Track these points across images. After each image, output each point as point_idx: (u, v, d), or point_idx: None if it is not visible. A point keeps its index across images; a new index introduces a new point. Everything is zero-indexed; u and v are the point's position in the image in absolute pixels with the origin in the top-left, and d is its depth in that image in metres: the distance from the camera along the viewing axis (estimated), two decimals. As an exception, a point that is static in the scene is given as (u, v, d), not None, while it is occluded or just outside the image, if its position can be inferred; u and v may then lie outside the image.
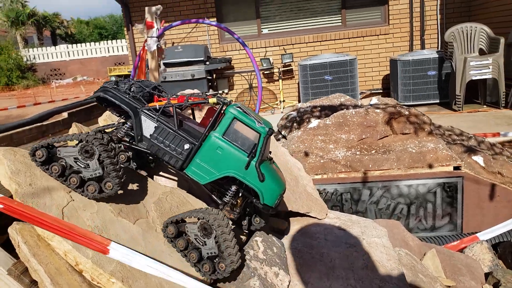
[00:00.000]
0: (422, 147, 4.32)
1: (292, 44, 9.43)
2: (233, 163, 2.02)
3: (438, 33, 8.93)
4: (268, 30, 9.72)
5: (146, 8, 4.31)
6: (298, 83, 9.00)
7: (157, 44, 4.23)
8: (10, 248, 1.93)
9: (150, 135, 2.11)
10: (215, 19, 9.40)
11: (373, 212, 4.31)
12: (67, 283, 1.72)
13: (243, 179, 2.04)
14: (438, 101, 8.31)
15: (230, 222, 2.07)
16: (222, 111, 2.09)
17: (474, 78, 7.59)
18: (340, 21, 9.39)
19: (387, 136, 4.62)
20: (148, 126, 2.11)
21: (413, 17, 8.93)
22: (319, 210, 3.13)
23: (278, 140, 5.23)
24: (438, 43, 8.96)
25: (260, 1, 9.57)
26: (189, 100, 2.17)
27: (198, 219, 2.03)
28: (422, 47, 8.92)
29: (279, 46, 9.49)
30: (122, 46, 23.32)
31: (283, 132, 5.29)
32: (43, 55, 23.54)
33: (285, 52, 9.47)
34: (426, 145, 4.35)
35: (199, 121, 2.45)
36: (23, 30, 29.36)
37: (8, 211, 1.56)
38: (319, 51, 9.32)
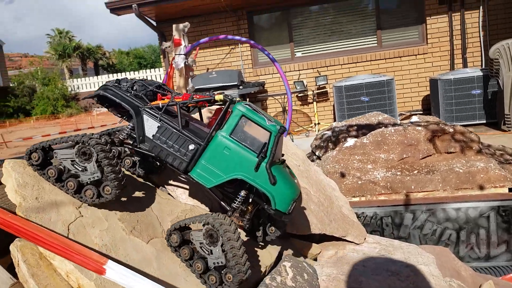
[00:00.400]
0: (471, 167, 3.93)
1: (327, 66, 9.23)
2: (242, 164, 1.83)
3: (481, 51, 8.48)
4: (302, 53, 9.59)
5: (174, 26, 4.25)
6: (333, 105, 8.73)
7: (185, 62, 4.12)
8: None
9: (153, 135, 1.94)
10: (248, 44, 9.37)
11: (417, 238, 3.91)
12: (66, 308, 1.52)
13: (252, 182, 1.83)
14: (484, 121, 7.81)
15: (239, 229, 1.84)
16: (229, 109, 1.92)
17: (523, 96, 7.09)
18: (375, 41, 9.14)
19: (430, 155, 4.26)
20: (151, 126, 1.95)
21: (453, 35, 8.55)
22: (356, 234, 2.82)
23: (312, 161, 4.96)
24: (481, 61, 8.51)
25: (293, 25, 9.51)
26: (194, 98, 2.03)
27: (204, 225, 1.82)
28: (465, 65, 8.49)
29: (313, 68, 9.32)
30: (160, 74, 23.95)
31: (317, 153, 5.01)
32: (86, 84, 24.56)
33: (319, 74, 9.28)
34: (475, 164, 3.96)
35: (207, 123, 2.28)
36: (69, 62, 30.97)
37: (1, 224, 1.39)
38: (355, 72, 9.06)
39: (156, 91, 2.14)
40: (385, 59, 8.99)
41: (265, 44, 9.38)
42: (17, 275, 1.63)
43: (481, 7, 8.32)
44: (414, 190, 3.90)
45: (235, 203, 1.97)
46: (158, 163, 2.38)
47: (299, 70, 9.39)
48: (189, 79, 4.24)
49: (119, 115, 2.22)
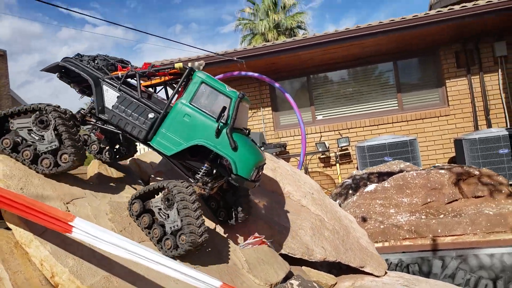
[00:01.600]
0: (502, 209, 3.58)
1: (348, 129, 9.15)
2: (202, 131, 1.79)
3: (504, 111, 8.27)
4: (323, 117, 9.60)
5: (189, 63, 4.31)
6: (357, 167, 8.50)
7: None
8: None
9: (112, 105, 1.92)
10: (270, 108, 9.50)
11: None
12: (37, 296, 1.31)
13: (213, 147, 1.80)
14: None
15: (195, 195, 1.77)
16: (190, 77, 1.91)
17: (553, 154, 6.71)
18: (396, 104, 9.09)
19: (456, 200, 3.95)
20: (110, 96, 1.94)
21: (474, 97, 8.42)
22: (376, 266, 2.51)
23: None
24: (506, 122, 8.26)
25: (313, 89, 9.65)
26: (154, 67, 2.04)
27: (161, 189, 1.79)
28: (489, 126, 8.24)
29: (335, 131, 9.25)
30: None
31: (337, 201, 4.74)
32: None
33: (341, 136, 9.17)
34: (506, 206, 3.61)
35: None
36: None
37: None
38: (377, 134, 8.92)
39: (117, 64, 2.14)
40: (407, 121, 8.86)
41: (286, 108, 9.49)
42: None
43: (499, 70, 8.27)
44: (441, 234, 3.56)
45: (198, 174, 1.92)
46: (125, 150, 2.38)
47: (320, 132, 9.34)
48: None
49: (81, 92, 2.23)
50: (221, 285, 1.17)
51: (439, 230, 3.56)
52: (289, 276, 2.12)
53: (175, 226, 1.75)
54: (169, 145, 1.82)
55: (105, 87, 1.96)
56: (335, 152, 9.05)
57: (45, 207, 1.28)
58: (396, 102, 9.13)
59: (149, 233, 1.84)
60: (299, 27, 20.24)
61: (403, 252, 3.60)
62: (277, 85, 5.44)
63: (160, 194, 1.82)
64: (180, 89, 1.96)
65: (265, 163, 2.08)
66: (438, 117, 8.74)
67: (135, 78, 2.04)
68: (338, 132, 9.25)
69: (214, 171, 1.97)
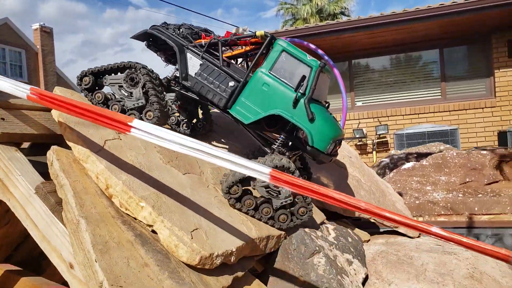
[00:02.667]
0: (545, 191, 3.46)
1: (388, 116, 8.98)
2: (280, 100, 1.78)
3: (556, 105, 7.86)
4: (362, 103, 9.46)
5: (234, 29, 4.38)
6: (393, 154, 8.33)
7: None
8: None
9: (195, 73, 1.96)
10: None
11: (482, 263, 3.42)
12: (92, 202, 1.45)
13: (290, 118, 1.78)
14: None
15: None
16: (271, 46, 1.90)
17: None
18: (439, 93, 8.82)
19: (496, 181, 3.84)
20: (194, 64, 1.98)
21: (524, 89, 8.05)
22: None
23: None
24: (556, 116, 7.85)
25: (354, 75, 9.50)
26: (235, 35, 2.05)
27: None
28: (537, 119, 7.87)
29: (374, 118, 9.11)
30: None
31: (372, 178, 4.72)
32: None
33: (380, 123, 9.02)
34: (550, 189, 3.49)
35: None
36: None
37: (41, 99, 1.38)
38: (417, 123, 8.71)
39: (201, 33, 2.19)
40: (449, 111, 8.59)
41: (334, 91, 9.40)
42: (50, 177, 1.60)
43: (554, 62, 7.85)
44: (478, 212, 3.49)
45: (275, 145, 1.94)
46: (202, 125, 2.39)
47: (359, 119, 9.22)
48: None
49: (167, 61, 2.29)
50: (270, 171, 1.23)
51: (476, 208, 3.49)
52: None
53: (287, 201, 1.79)
54: (247, 113, 1.85)
55: (189, 55, 2.00)
56: (373, 140, 8.92)
57: (106, 111, 1.39)
58: (440, 91, 8.87)
59: (253, 215, 1.83)
60: (342, 13, 19.82)
61: (437, 228, 3.55)
62: (326, 57, 5.35)
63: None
64: (260, 58, 1.98)
65: (343, 138, 2.09)
66: (483, 108, 8.42)
67: (217, 46, 2.07)
68: (377, 120, 9.10)
69: (290, 143, 1.98)
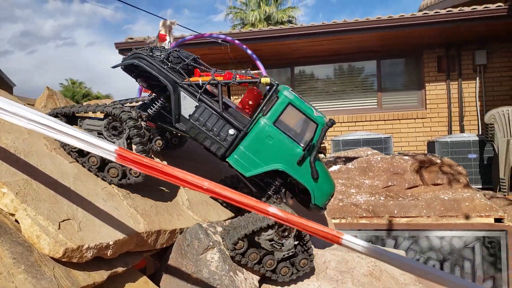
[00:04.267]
0: (456, 195, 3.63)
1: (327, 123, 9.15)
2: (284, 155, 1.69)
3: (478, 119, 8.40)
4: (304, 109, 9.58)
5: (161, 21, 4.27)
6: (331, 160, 8.50)
7: None
8: None
9: (190, 115, 1.76)
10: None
11: (397, 264, 3.52)
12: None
13: (293, 174, 1.70)
14: (480, 186, 7.47)
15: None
16: (274, 95, 1.77)
17: (519, 161, 6.82)
18: (376, 103, 9.14)
19: (416, 186, 3.98)
20: (188, 105, 1.76)
21: (451, 102, 8.53)
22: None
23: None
24: (478, 129, 8.39)
25: (296, 81, 9.64)
26: (237, 78, 1.83)
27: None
28: (462, 131, 8.35)
29: (314, 123, 9.24)
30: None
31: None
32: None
33: (320, 129, 9.17)
34: (461, 194, 3.66)
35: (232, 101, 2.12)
36: (77, 109, 31.55)
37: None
38: (354, 131, 8.95)
39: (193, 65, 1.94)
40: (385, 120, 8.92)
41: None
42: None
43: (477, 78, 8.39)
44: (397, 215, 3.59)
45: (269, 189, 1.84)
46: (177, 140, 2.19)
47: (300, 124, 9.32)
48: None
49: (148, 88, 2.02)
50: (116, 149, 1.14)
51: (396, 211, 3.59)
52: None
53: (289, 253, 1.73)
54: (247, 165, 1.73)
55: (183, 94, 1.77)
56: (312, 144, 9.06)
57: None
58: (376, 100, 9.20)
59: (259, 269, 1.76)
60: (289, 21, 20.10)
61: (359, 230, 3.63)
62: (249, 51, 5.33)
63: (274, 228, 1.74)
64: (264, 105, 1.81)
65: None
66: (415, 119, 8.82)
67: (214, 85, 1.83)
68: (317, 125, 9.25)
69: (283, 189, 1.91)
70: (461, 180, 3.86)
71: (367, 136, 8.04)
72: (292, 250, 1.69)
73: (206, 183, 1.09)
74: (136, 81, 2.00)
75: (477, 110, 8.47)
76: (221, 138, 1.73)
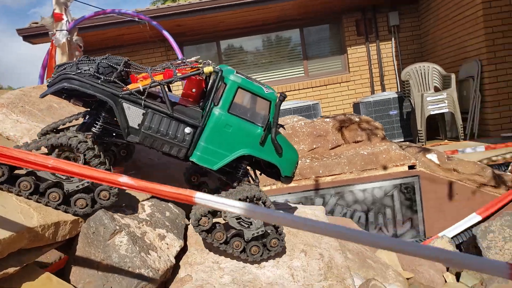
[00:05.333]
0: (374, 149, 3.80)
1: (259, 95, 9.17)
2: (246, 139, 1.65)
3: (396, 77, 8.82)
4: (235, 83, 9.51)
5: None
6: (265, 130, 8.56)
7: (67, 37, 3.73)
8: None
9: (139, 125, 1.62)
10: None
11: (326, 220, 3.65)
12: None
13: (259, 156, 1.68)
14: (402, 139, 7.92)
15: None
16: (221, 82, 1.67)
17: (432, 112, 7.29)
18: (303, 71, 9.28)
19: (339, 145, 4.11)
20: (135, 115, 1.62)
21: (371, 64, 8.85)
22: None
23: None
24: (397, 86, 8.82)
25: (223, 54, 9.50)
26: (178, 74, 1.70)
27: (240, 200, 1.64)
28: (383, 91, 8.74)
29: (246, 96, 9.22)
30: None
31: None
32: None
33: (252, 102, 9.18)
34: (379, 147, 3.84)
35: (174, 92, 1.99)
36: None
37: None
38: (285, 101, 9.04)
39: (127, 71, 1.77)
40: (312, 87, 9.10)
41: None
42: None
43: (393, 39, 8.74)
44: (323, 175, 3.69)
45: (238, 173, 1.79)
46: (126, 152, 2.02)
47: (232, 98, 9.26)
48: (74, 59, 3.88)
49: (84, 106, 1.79)
50: None
51: (321, 171, 3.70)
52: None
53: (259, 232, 1.70)
54: (213, 158, 1.65)
55: (125, 105, 1.62)
56: (246, 117, 9.07)
57: None
58: (303, 69, 9.33)
59: (225, 249, 1.72)
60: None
61: (289, 193, 3.70)
62: (154, 22, 5.11)
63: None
64: (213, 95, 1.66)
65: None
66: (340, 83, 9.08)
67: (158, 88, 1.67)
68: (249, 97, 9.25)
69: (252, 169, 1.91)
70: (378, 135, 4.04)
71: (296, 104, 8.17)
72: (261, 229, 1.67)
73: (51, 161, 1.02)
74: (70, 101, 1.80)
75: (394, 69, 8.88)
76: (179, 139, 1.65)
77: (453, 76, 7.10)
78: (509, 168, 4.56)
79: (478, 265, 0.77)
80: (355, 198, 3.62)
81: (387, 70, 8.90)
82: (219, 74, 1.69)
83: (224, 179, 1.83)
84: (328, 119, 4.20)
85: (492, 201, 3.43)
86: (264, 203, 1.66)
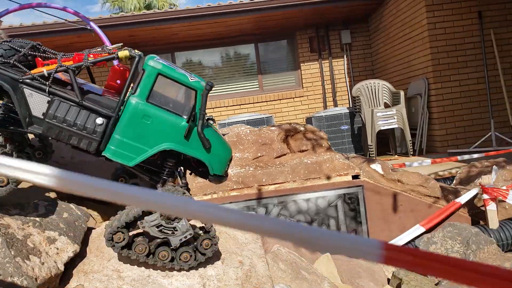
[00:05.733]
0: (318, 158, 3.69)
1: (213, 108, 9.01)
2: (168, 132, 1.44)
3: (348, 93, 8.93)
4: (189, 95, 9.29)
5: None
6: (219, 143, 8.35)
7: None
8: None
9: (44, 114, 1.40)
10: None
11: (268, 231, 3.46)
12: None
13: (184, 151, 1.47)
14: (354, 154, 7.93)
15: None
16: (140, 68, 1.48)
17: (382, 128, 7.38)
18: (257, 85, 9.21)
19: (284, 154, 3.97)
20: (38, 102, 1.39)
21: (324, 80, 8.92)
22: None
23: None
24: (349, 102, 8.93)
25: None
26: (90, 58, 1.49)
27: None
28: (335, 106, 8.81)
29: (200, 109, 9.01)
30: None
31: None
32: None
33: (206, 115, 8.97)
34: (323, 156, 3.73)
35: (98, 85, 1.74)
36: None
37: None
38: (239, 113, 8.93)
39: (33, 54, 1.53)
40: (266, 101, 9.04)
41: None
42: None
43: (345, 56, 8.87)
44: (266, 183, 3.53)
45: (163, 173, 1.55)
46: (42, 153, 1.72)
47: (186, 111, 9.02)
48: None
49: None
50: None
51: (264, 180, 3.53)
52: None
53: (186, 236, 1.49)
54: (129, 153, 1.43)
55: (27, 91, 1.40)
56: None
57: None
58: (257, 83, 9.27)
59: (148, 259, 1.48)
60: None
61: (230, 202, 3.49)
62: (81, 14, 4.83)
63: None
64: (130, 82, 1.42)
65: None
66: (293, 98, 9.08)
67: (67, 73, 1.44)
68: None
69: (179, 169, 1.66)
70: (323, 144, 3.95)
71: (250, 117, 8.05)
72: (190, 232, 1.46)
73: None
74: None
75: (347, 86, 8.99)
76: (89, 131, 1.42)
77: (402, 93, 7.24)
78: (454, 182, 4.60)
79: (339, 243, 0.60)
80: (298, 208, 3.47)
81: (339, 86, 9.00)
82: (137, 59, 1.50)
83: (148, 179, 1.62)
84: (273, 128, 4.07)
85: (435, 213, 3.38)
86: None
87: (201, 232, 1.52)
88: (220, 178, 1.65)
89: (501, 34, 6.81)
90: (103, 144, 1.45)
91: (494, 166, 3.40)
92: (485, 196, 3.25)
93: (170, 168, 1.60)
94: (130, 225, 1.42)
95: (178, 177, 1.72)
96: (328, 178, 3.50)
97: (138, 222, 1.43)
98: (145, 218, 1.42)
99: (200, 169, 1.74)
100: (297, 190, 3.47)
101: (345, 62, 8.90)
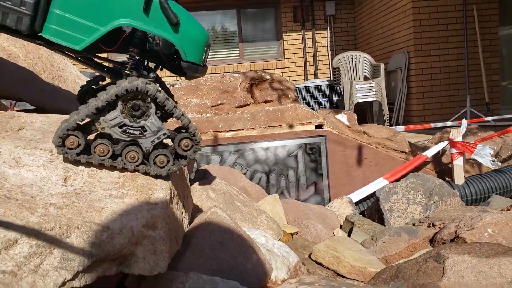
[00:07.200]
0: (281, 106, 3.33)
1: (191, 74, 8.54)
2: (124, 4, 1.06)
3: (329, 67, 8.57)
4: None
5: None
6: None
7: None
8: None
9: None
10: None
11: (219, 178, 3.11)
12: None
13: (145, 27, 1.08)
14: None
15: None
16: None
17: (360, 100, 7.04)
18: (238, 54, 8.77)
19: (248, 104, 3.60)
20: None
21: (306, 52, 8.53)
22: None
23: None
24: (330, 76, 8.56)
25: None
26: None
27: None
28: (316, 79, 8.44)
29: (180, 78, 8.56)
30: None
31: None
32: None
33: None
34: (286, 105, 3.37)
35: None
36: None
37: None
38: (217, 80, 8.49)
39: None
40: (247, 71, 8.59)
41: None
42: None
43: (328, 28, 8.48)
44: (222, 129, 3.16)
45: (125, 67, 1.18)
46: None
47: (170, 82, 8.56)
48: None
49: None
50: None
51: (220, 126, 3.16)
52: None
53: (161, 136, 1.16)
54: (75, 33, 1.06)
55: None
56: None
57: None
58: (238, 51, 8.83)
59: (112, 164, 1.14)
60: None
61: (183, 149, 3.09)
62: None
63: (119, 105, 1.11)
64: None
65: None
66: (274, 69, 8.68)
67: None
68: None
69: (146, 62, 1.27)
70: (289, 95, 3.58)
71: (228, 84, 7.65)
72: (164, 132, 1.14)
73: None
74: None
75: (328, 59, 8.62)
76: (15, 2, 1.03)
77: (382, 66, 6.92)
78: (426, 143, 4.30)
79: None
80: (256, 157, 3.11)
81: (321, 60, 8.63)
82: None
83: (109, 77, 1.23)
84: (237, 75, 3.68)
85: (400, 166, 3.06)
86: (154, 99, 1.09)
87: (175, 133, 1.16)
88: (196, 67, 1.26)
89: (483, 10, 6.50)
90: (39, 21, 1.04)
91: (464, 120, 3.09)
92: (453, 150, 2.94)
93: (133, 60, 1.19)
94: (85, 126, 1.07)
95: (146, 71, 1.30)
96: (290, 126, 3.14)
97: (96, 123, 1.05)
98: (101, 118, 1.06)
99: (173, 63, 1.31)
100: (256, 138, 3.12)
101: (328, 34, 8.51)
